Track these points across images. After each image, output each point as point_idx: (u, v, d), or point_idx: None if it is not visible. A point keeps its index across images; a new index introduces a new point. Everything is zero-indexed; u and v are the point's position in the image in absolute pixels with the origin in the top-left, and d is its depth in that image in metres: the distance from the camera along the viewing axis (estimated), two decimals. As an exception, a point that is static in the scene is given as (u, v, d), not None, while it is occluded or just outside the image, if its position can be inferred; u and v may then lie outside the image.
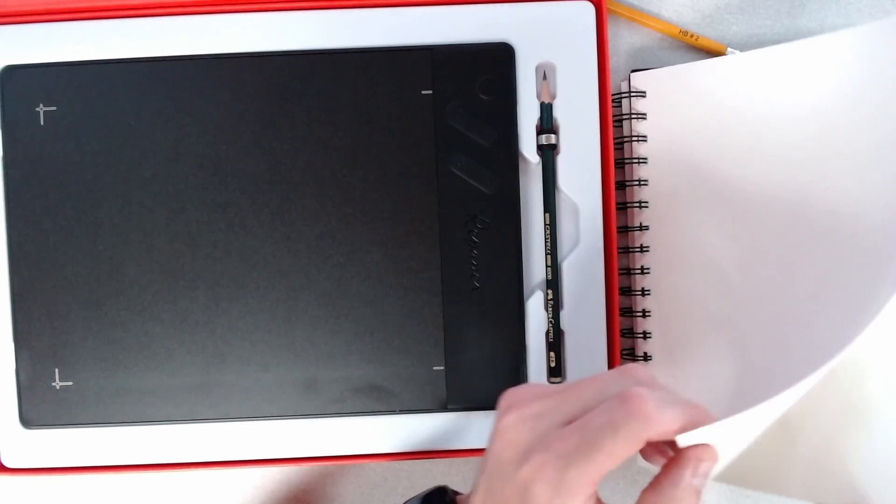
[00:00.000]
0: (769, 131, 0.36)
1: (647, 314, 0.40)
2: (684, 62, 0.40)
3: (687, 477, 0.27)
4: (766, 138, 0.36)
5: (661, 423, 0.26)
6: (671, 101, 0.40)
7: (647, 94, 0.40)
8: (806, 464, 0.33)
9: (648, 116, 0.40)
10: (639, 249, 0.41)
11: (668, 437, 0.27)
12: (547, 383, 0.30)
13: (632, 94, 0.41)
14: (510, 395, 0.30)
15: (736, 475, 0.35)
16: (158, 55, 0.39)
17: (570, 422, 0.27)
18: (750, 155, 0.37)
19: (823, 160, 0.34)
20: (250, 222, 0.39)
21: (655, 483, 0.28)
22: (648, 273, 0.40)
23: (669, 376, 0.40)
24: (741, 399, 0.34)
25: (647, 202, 0.40)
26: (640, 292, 0.41)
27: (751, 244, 0.36)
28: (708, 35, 0.43)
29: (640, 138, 0.40)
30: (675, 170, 0.40)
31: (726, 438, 0.28)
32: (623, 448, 0.26)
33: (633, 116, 0.41)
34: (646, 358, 0.40)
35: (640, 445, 0.26)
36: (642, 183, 0.40)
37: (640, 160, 0.40)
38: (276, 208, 0.39)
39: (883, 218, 0.31)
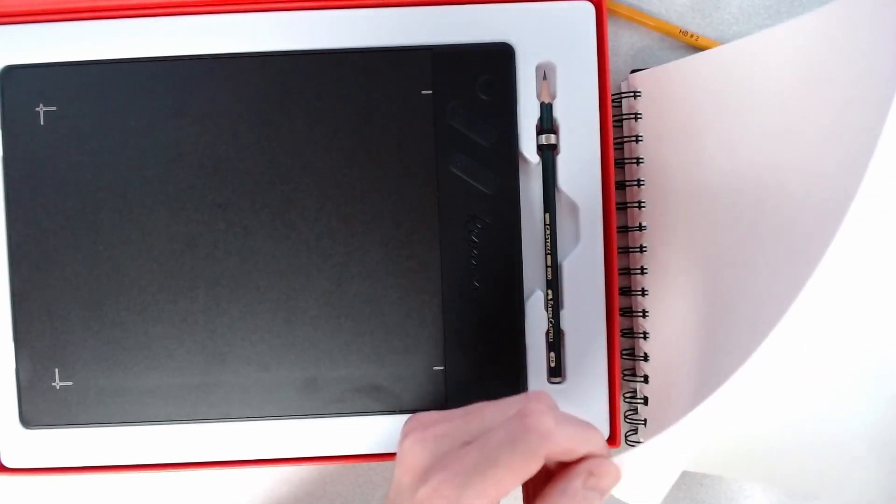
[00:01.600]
0: (753, 118, 0.36)
1: (646, 314, 0.40)
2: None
3: (576, 485, 0.27)
4: (750, 126, 0.36)
5: (559, 439, 0.26)
6: (664, 100, 0.40)
7: (643, 94, 0.40)
8: (859, 468, 0.33)
9: (644, 116, 0.40)
10: (638, 249, 0.41)
11: (567, 457, 0.27)
12: (451, 410, 0.29)
13: (629, 94, 0.41)
14: (412, 420, 0.29)
15: (781, 478, 0.34)
16: (158, 55, 0.39)
17: (470, 443, 0.27)
18: (735, 144, 0.37)
19: (798, 143, 0.33)
20: (250, 222, 0.39)
21: (544, 492, 0.27)
22: (648, 273, 0.40)
23: (668, 376, 0.40)
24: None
25: (645, 202, 0.40)
26: (640, 292, 0.41)
27: (733, 237, 0.36)
28: (708, 35, 0.43)
29: (637, 138, 0.40)
30: (668, 168, 0.39)
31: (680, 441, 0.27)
32: (522, 463, 0.25)
33: (631, 116, 0.41)
34: (646, 358, 0.40)
35: (540, 461, 0.26)
36: (641, 183, 0.40)
37: (639, 160, 0.40)
38: (276, 208, 0.39)
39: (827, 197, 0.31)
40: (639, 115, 0.40)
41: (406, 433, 0.28)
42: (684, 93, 0.39)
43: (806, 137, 0.33)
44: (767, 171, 0.35)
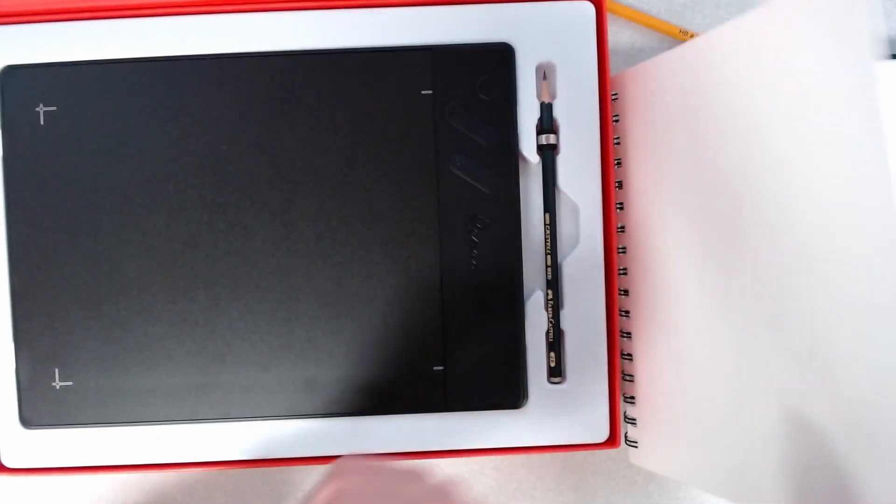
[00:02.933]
0: (719, 114, 0.35)
1: (646, 314, 0.40)
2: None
3: None
4: (719, 121, 0.35)
5: None
6: (639, 100, 0.39)
7: (619, 96, 0.40)
8: None
9: (622, 117, 0.40)
10: (639, 249, 0.41)
11: None
12: (378, 462, 0.30)
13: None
14: (339, 464, 0.29)
15: None
16: (158, 55, 0.39)
17: None
18: (716, 139, 0.36)
19: (769, 134, 0.33)
20: (250, 222, 0.39)
21: None
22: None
23: (669, 376, 0.40)
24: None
25: (624, 203, 0.40)
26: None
27: (726, 230, 0.36)
28: (708, 35, 0.43)
29: (614, 140, 0.40)
30: (650, 167, 0.39)
31: None
32: None
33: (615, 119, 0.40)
34: (646, 358, 0.40)
35: None
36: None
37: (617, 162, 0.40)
38: (276, 208, 0.39)
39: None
40: (615, 118, 0.40)
41: (327, 481, 0.29)
42: (657, 91, 0.38)
43: (772, 130, 0.32)
44: (747, 165, 0.34)
